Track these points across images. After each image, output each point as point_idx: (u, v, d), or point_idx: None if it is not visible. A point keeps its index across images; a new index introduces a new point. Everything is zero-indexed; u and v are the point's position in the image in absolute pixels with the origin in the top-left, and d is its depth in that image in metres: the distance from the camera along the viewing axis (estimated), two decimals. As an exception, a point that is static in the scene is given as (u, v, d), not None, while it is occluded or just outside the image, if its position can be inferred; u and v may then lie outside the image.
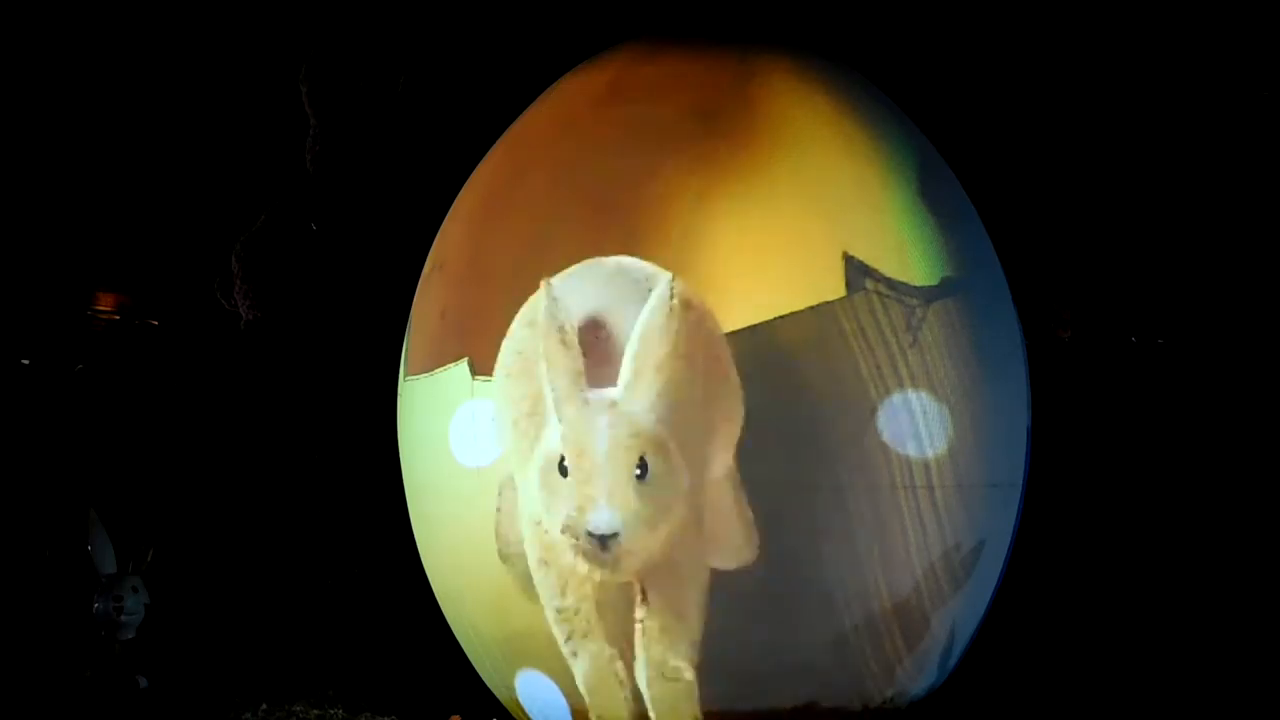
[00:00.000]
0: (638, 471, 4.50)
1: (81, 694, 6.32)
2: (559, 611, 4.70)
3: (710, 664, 4.64)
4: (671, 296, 4.50)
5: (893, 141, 5.08)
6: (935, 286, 4.81)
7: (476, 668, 5.32)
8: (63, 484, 7.11)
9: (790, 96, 5.02)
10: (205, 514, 7.12)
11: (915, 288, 4.76)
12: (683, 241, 4.65)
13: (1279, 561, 6.44)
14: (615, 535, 4.50)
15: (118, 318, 7.82)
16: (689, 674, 4.64)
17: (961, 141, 5.69)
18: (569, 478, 4.54)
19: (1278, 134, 6.74)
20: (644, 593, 4.62)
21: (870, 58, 5.67)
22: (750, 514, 4.56)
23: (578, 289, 4.65)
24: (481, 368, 4.82)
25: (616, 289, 4.65)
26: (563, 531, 4.56)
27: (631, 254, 4.66)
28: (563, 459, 4.55)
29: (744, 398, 4.56)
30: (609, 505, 4.49)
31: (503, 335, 4.79)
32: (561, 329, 4.54)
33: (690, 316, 4.56)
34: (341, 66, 6.94)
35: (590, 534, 4.50)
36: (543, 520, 4.63)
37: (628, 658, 4.66)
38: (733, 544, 4.59)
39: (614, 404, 4.52)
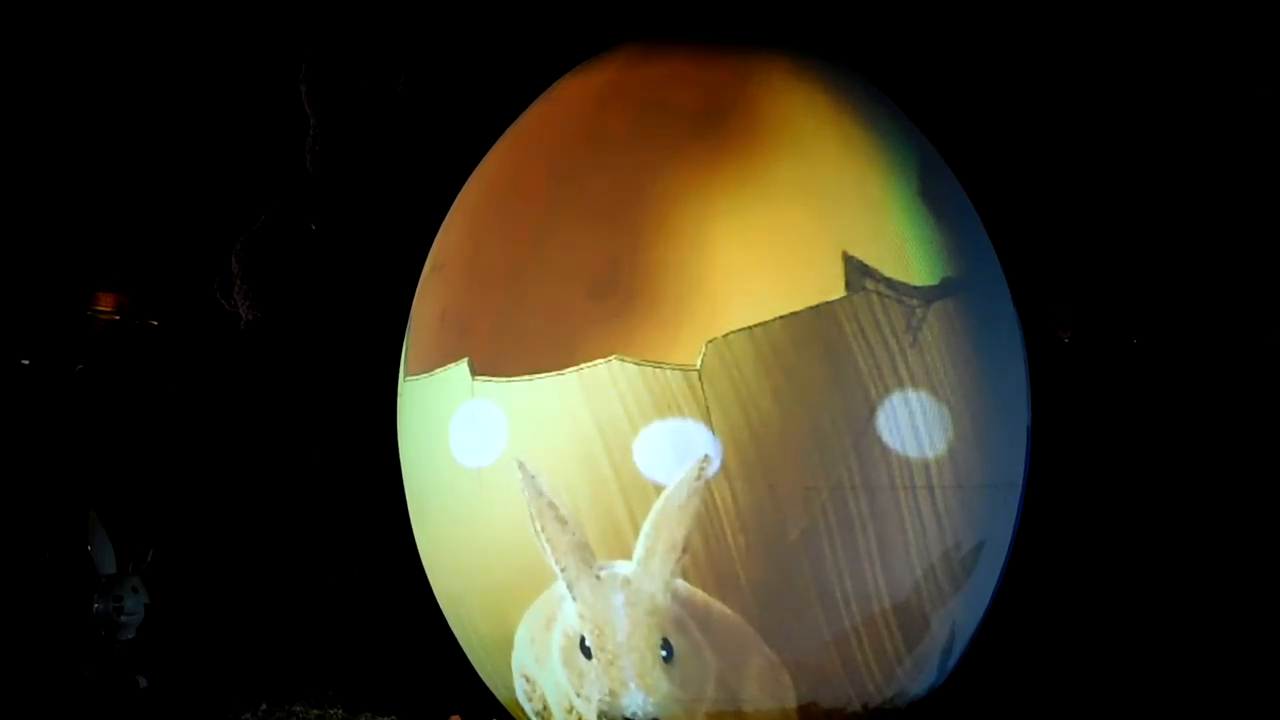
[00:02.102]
0: (663, 653, 4.51)
1: (81, 694, 6.32)
2: None
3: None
4: (698, 477, 4.46)
5: (893, 141, 5.08)
6: (935, 286, 4.81)
7: (476, 668, 5.31)
8: (63, 484, 7.10)
9: (790, 96, 5.02)
10: (205, 514, 7.12)
11: (915, 288, 4.76)
12: (683, 242, 4.65)
13: (1278, 561, 6.44)
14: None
15: (118, 318, 7.82)
16: None
17: (961, 141, 5.69)
18: (593, 660, 4.56)
19: (1278, 134, 6.74)
20: None
21: (870, 58, 5.67)
22: (774, 656, 4.55)
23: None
24: (481, 368, 4.82)
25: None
26: (599, 718, 4.59)
27: (631, 254, 4.66)
28: (584, 639, 4.58)
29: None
30: (641, 689, 4.51)
31: (502, 335, 4.79)
32: (553, 505, 4.54)
33: None
34: (341, 66, 6.94)
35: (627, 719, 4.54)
36: (574, 703, 4.65)
37: None
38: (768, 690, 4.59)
39: (627, 581, 4.51)
